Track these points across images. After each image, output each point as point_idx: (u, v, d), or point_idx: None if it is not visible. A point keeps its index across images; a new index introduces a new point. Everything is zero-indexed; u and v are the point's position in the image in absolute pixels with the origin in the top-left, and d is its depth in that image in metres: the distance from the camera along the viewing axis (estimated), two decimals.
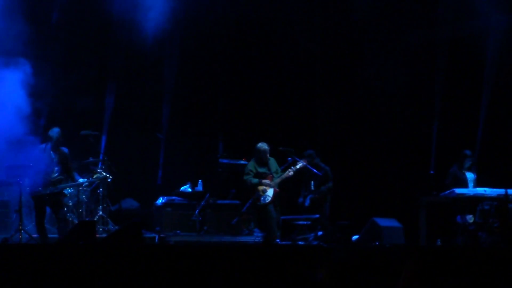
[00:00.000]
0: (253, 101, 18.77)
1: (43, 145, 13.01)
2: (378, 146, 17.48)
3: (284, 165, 14.46)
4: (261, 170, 13.88)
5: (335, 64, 18.34)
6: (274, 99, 18.71)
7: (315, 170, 14.80)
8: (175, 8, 16.76)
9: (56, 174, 12.92)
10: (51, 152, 12.94)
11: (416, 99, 17.19)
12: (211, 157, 17.10)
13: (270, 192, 13.67)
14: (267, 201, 13.61)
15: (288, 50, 18.46)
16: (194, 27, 18.13)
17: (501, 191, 13.25)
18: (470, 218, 13.82)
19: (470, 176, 14.42)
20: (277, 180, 13.79)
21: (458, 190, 13.52)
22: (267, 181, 13.69)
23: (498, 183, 13.73)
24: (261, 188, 13.73)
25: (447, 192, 13.65)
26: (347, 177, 15.75)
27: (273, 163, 14.03)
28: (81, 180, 13.91)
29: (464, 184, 14.14)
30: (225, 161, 16.29)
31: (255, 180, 13.71)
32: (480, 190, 13.42)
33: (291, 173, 13.91)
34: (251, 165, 14.03)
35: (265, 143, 14.05)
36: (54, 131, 13.04)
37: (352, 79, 17.97)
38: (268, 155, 14.00)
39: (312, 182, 15.03)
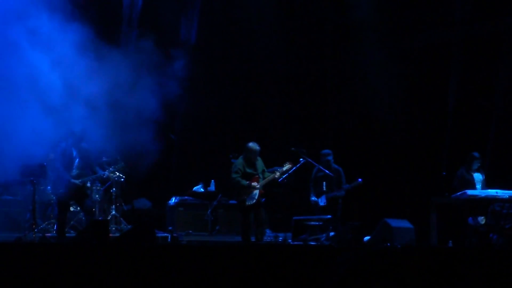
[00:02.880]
0: (266, 102, 18.82)
1: (63, 142, 13.11)
2: (390, 147, 17.49)
3: (296, 165, 14.45)
4: (248, 170, 13.72)
5: (346, 65, 18.36)
6: (286, 99, 18.76)
7: (327, 171, 14.81)
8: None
9: (75, 171, 13.01)
10: (72, 148, 13.04)
11: (428, 100, 17.18)
12: (224, 157, 17.13)
13: (255, 193, 13.63)
14: (252, 203, 13.58)
15: (301, 51, 18.52)
16: (207, 30, 18.27)
17: None
18: (481, 219, 13.80)
19: (478, 177, 14.39)
20: (263, 182, 13.74)
21: (470, 192, 13.50)
22: (255, 183, 13.63)
23: (509, 184, 13.72)
24: (248, 190, 13.64)
25: (458, 193, 13.63)
26: (360, 178, 15.72)
27: (260, 163, 13.92)
28: (101, 172, 13.83)
29: (472, 186, 14.12)
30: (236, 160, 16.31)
31: (244, 182, 13.61)
32: (492, 192, 13.40)
33: (277, 174, 13.85)
34: (240, 164, 13.81)
35: (256, 143, 13.88)
36: (78, 128, 13.16)
37: (364, 80, 17.98)
38: (257, 156, 13.87)
39: (324, 182, 15.02)
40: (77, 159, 13.05)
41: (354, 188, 15.15)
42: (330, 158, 15.11)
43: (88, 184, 13.25)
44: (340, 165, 15.44)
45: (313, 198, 15.13)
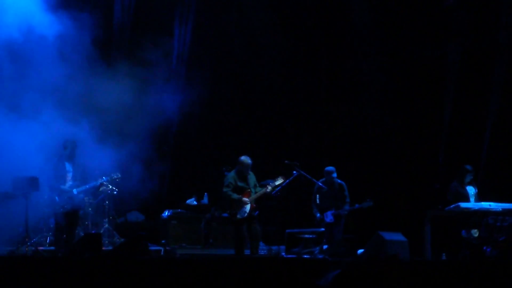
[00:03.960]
0: (260, 114, 18.83)
1: (57, 156, 13.13)
2: (384, 160, 17.49)
3: (289, 178, 14.44)
4: (240, 184, 13.71)
5: (340, 78, 18.40)
6: (280, 112, 18.77)
7: (320, 184, 14.79)
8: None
9: (70, 183, 13.02)
10: (65, 162, 13.05)
11: (422, 113, 17.20)
12: (217, 170, 17.12)
13: (247, 207, 13.62)
14: (244, 216, 13.57)
15: (294, 64, 18.56)
16: (200, 44, 18.31)
17: (506, 205, 13.26)
18: (475, 232, 13.80)
19: (471, 191, 14.40)
20: (254, 196, 13.72)
21: (463, 204, 13.50)
22: (246, 199, 13.62)
23: (502, 197, 13.73)
24: (239, 203, 13.62)
25: (452, 206, 13.64)
26: (353, 191, 15.72)
27: (252, 177, 13.91)
28: (93, 183, 13.74)
29: (466, 199, 14.11)
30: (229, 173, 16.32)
31: (236, 196, 13.59)
32: (485, 205, 13.41)
33: (269, 188, 13.84)
34: (232, 178, 13.79)
35: (248, 157, 13.86)
36: (70, 142, 13.16)
37: (359, 93, 18.01)
38: (249, 170, 13.86)
39: (318, 195, 14.98)
40: (71, 172, 13.06)
41: (363, 209, 15.07)
42: (334, 175, 15.01)
43: (82, 196, 13.22)
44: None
45: (318, 215, 14.97)
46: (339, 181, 15.06)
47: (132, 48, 17.43)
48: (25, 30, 14.80)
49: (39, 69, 15.01)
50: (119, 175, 13.89)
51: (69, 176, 13.08)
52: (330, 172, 14.96)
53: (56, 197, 13.01)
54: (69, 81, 15.18)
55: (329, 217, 14.83)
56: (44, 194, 13.49)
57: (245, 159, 13.78)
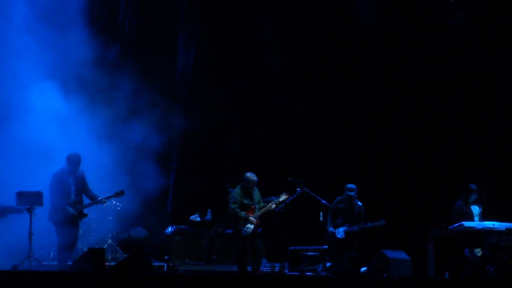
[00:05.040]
0: (264, 131, 18.84)
1: (59, 170, 13.12)
2: (387, 178, 17.49)
3: (293, 195, 14.45)
4: (246, 201, 13.71)
5: (345, 95, 18.42)
6: (284, 129, 18.78)
7: (324, 201, 14.80)
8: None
9: (73, 198, 13.01)
10: (68, 176, 13.06)
11: (426, 132, 17.21)
12: (220, 187, 17.13)
13: (251, 224, 13.61)
14: (248, 233, 13.56)
15: (299, 78, 18.60)
16: (204, 58, 18.40)
17: (509, 225, 13.25)
18: (478, 251, 13.80)
19: (475, 210, 14.40)
20: (258, 213, 13.71)
21: (467, 224, 13.51)
22: (252, 218, 13.61)
23: (506, 217, 13.72)
24: (245, 220, 13.61)
25: (455, 225, 13.64)
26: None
27: (256, 193, 13.93)
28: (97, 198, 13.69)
29: (470, 219, 14.11)
30: (233, 190, 16.33)
31: (242, 214, 13.60)
32: (489, 224, 13.40)
33: (273, 206, 13.83)
34: (237, 194, 13.79)
35: (254, 174, 13.89)
36: (73, 155, 13.16)
37: (362, 111, 18.03)
38: (254, 186, 13.86)
39: (321, 213, 14.98)
40: (73, 186, 13.06)
41: (374, 228, 15.06)
42: (353, 193, 15.00)
43: (85, 211, 13.20)
44: (337, 195, 15.42)
45: (331, 229, 14.96)
46: (359, 203, 15.07)
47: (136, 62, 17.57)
48: None
49: None
50: (123, 191, 13.86)
51: (72, 189, 13.08)
52: (351, 190, 14.98)
53: (57, 214, 12.97)
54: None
55: (340, 233, 14.85)
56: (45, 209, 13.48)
57: (250, 175, 13.78)
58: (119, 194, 13.68)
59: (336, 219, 15.02)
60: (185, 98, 18.29)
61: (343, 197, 15.01)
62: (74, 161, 13.12)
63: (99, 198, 13.28)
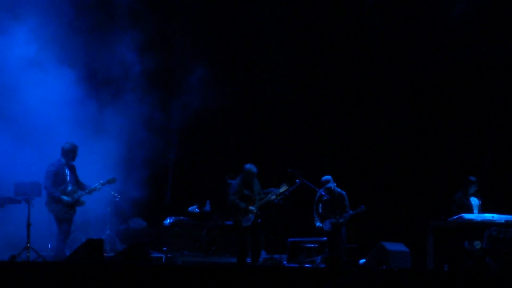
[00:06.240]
0: (263, 122, 18.83)
1: (56, 160, 13.15)
2: (387, 170, 17.47)
3: (293, 187, 14.43)
4: (246, 192, 13.71)
5: (346, 87, 18.39)
6: (283, 121, 18.76)
7: (323, 192, 14.75)
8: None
9: (70, 187, 13.03)
10: (65, 167, 13.07)
11: (425, 123, 17.19)
12: (219, 178, 17.10)
13: (251, 215, 13.61)
14: (248, 224, 13.55)
15: (298, 72, 18.57)
16: (206, 52, 18.38)
17: (509, 217, 13.23)
18: (477, 243, 13.77)
19: (475, 202, 14.38)
20: (259, 204, 13.71)
21: (466, 216, 13.48)
22: (252, 208, 13.60)
23: (506, 209, 13.70)
24: (245, 212, 13.61)
25: (455, 217, 13.62)
26: (355, 201, 15.71)
27: (256, 184, 13.92)
28: (93, 186, 13.68)
29: (469, 210, 14.08)
30: (233, 181, 16.30)
31: (243, 205, 13.59)
32: (488, 216, 13.38)
33: (273, 197, 13.83)
34: (238, 186, 13.78)
35: (253, 166, 13.85)
36: (69, 145, 13.19)
37: (361, 104, 18.01)
38: (254, 178, 13.84)
39: (320, 205, 14.95)
40: (69, 176, 13.11)
41: (357, 215, 15.01)
42: (330, 185, 14.93)
43: (82, 199, 13.20)
44: (337, 187, 15.38)
45: (318, 224, 14.94)
46: (339, 190, 15.00)
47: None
48: None
49: None
50: (115, 178, 13.83)
51: (68, 179, 13.12)
52: (326, 182, 14.91)
53: (53, 203, 13.01)
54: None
55: (327, 225, 14.80)
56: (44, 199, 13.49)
57: (250, 167, 13.77)
58: (111, 181, 13.67)
59: (324, 212, 14.94)
60: (186, 88, 18.26)
61: (323, 190, 14.87)
62: (70, 151, 13.15)
63: (93, 186, 13.31)
